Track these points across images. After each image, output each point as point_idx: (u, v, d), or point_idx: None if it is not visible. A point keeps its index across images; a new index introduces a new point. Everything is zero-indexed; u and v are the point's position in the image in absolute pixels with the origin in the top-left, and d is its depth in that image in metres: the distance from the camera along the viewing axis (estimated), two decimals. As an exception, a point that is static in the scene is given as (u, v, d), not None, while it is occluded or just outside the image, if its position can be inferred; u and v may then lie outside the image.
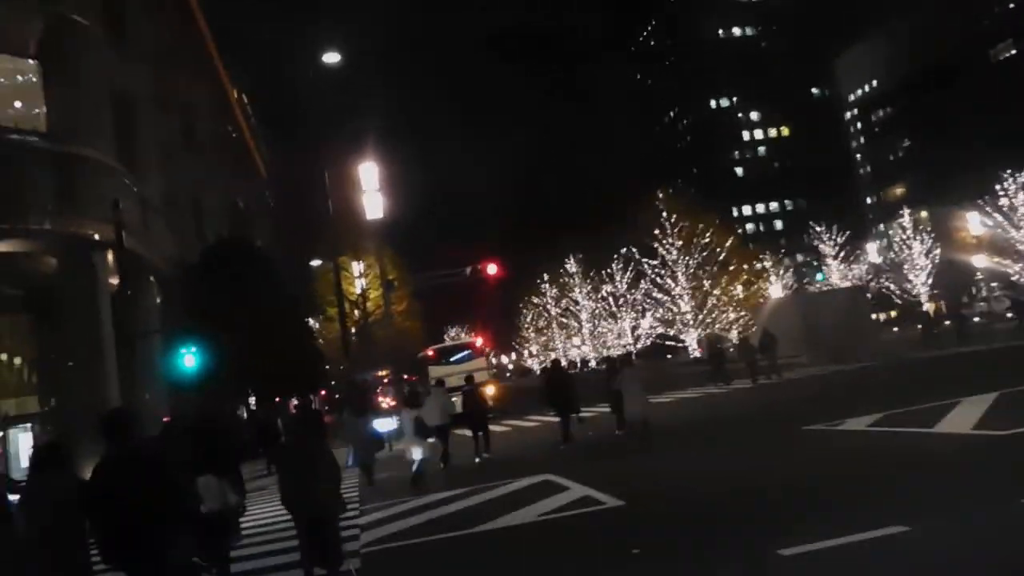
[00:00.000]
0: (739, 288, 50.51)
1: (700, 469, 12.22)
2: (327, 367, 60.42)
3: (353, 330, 40.05)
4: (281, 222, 55.22)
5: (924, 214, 65.12)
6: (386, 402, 42.02)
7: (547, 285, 73.54)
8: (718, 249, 49.16)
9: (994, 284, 57.79)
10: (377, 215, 30.04)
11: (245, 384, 35.42)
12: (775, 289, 53.96)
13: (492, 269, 31.35)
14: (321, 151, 31.51)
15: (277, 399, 53.24)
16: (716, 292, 49.37)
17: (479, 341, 36.69)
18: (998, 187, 50.06)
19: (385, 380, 47.51)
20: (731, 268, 50.44)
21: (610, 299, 59.18)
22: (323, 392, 57.65)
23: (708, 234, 48.98)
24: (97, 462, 5.83)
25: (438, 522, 10.87)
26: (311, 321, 60.87)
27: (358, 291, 46.15)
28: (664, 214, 49.27)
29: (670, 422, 18.60)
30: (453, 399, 19.12)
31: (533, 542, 9.05)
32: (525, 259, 65.52)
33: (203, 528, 7.52)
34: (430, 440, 16.01)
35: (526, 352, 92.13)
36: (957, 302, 59.85)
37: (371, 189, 29.87)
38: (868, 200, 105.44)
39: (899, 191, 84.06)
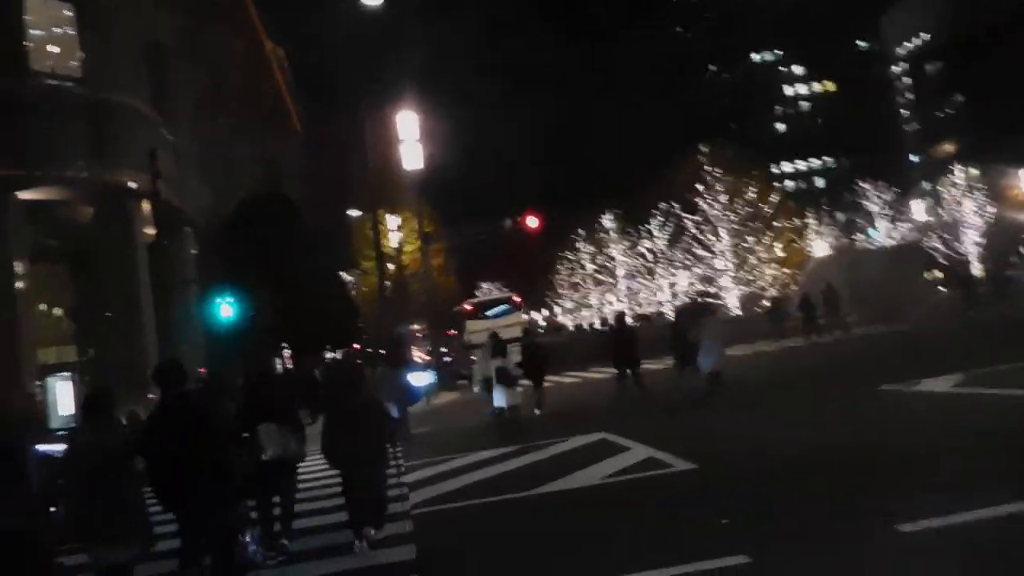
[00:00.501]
0: (780, 246, 49.12)
1: (773, 432, 11.31)
2: (361, 322, 60.37)
3: (388, 284, 39.53)
4: (317, 176, 54.58)
5: (974, 171, 62.86)
6: (420, 356, 41.76)
7: (583, 242, 72.27)
8: (761, 205, 47.74)
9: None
10: (416, 166, 29.18)
11: (279, 337, 35.12)
12: (820, 247, 52.40)
13: (533, 222, 30.41)
14: (361, 100, 30.73)
15: (313, 353, 53.27)
16: (759, 249, 48.06)
17: (516, 297, 35.86)
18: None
19: (420, 334, 47.17)
20: (775, 225, 48.99)
21: (648, 255, 57.86)
22: (357, 345, 57.52)
23: (752, 190, 47.54)
24: (152, 409, 6.43)
25: (490, 483, 10.20)
26: (345, 275, 60.71)
27: (394, 245, 45.57)
28: (708, 168, 47.83)
29: (735, 378, 17.76)
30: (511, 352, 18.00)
31: (601, 507, 8.30)
32: (562, 215, 64.29)
33: (262, 478, 7.68)
34: (518, 388, 15.79)
35: (559, 308, 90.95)
36: (1004, 263, 58.06)
37: (410, 138, 29.00)
38: (912, 159, 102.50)
39: (948, 148, 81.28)
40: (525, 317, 42.14)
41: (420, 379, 26.32)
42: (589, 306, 78.28)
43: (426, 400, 24.68)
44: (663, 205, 54.35)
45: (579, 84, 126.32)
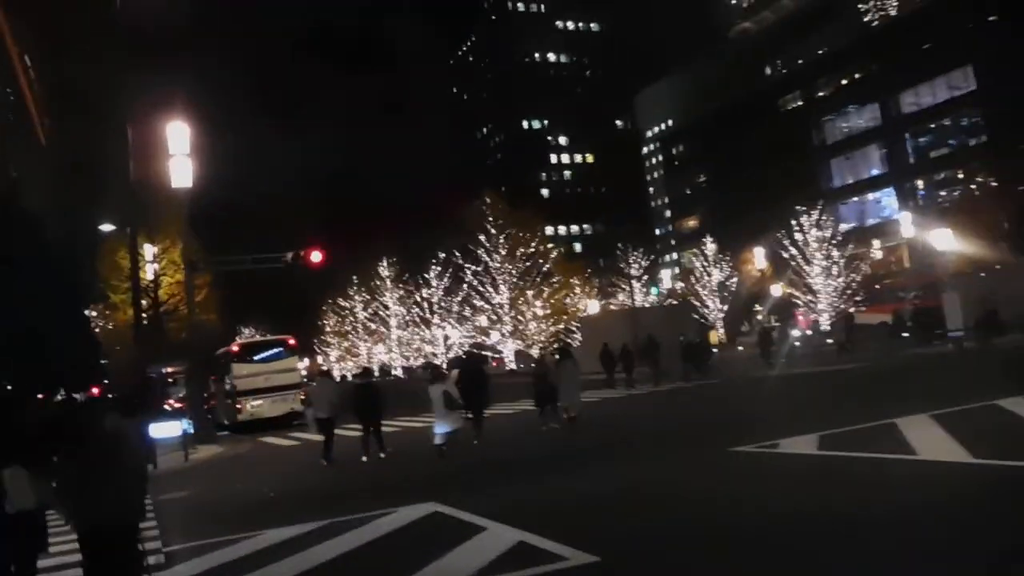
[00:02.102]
0: (553, 302, 48.81)
1: (650, 500, 9.06)
2: (104, 360, 52.62)
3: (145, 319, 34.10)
4: (66, 189, 47.26)
5: (709, 248, 66.95)
6: (171, 403, 36.16)
7: (356, 288, 68.83)
8: (541, 260, 47.22)
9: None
10: (185, 184, 24.89)
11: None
12: (592, 304, 52.81)
13: (316, 256, 26.87)
14: (126, 106, 25.97)
15: (40, 395, 45.09)
16: (538, 303, 47.37)
17: (291, 340, 31.91)
18: (793, 222, 51.82)
19: (171, 379, 41.18)
20: (554, 280, 48.62)
21: (424, 304, 55.61)
22: (96, 389, 49.83)
23: (534, 243, 46.92)
24: None
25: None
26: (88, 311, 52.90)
27: (150, 276, 39.74)
28: (491, 218, 46.64)
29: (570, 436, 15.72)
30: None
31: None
32: (335, 260, 60.67)
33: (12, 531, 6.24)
34: (461, 413, 15.18)
35: (330, 355, 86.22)
36: (736, 331, 62.27)
37: (180, 152, 24.75)
38: (657, 231, 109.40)
39: (692, 223, 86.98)
40: (304, 362, 37.97)
41: (169, 429, 21.89)
42: (357, 355, 74.56)
43: (184, 454, 20.31)
44: (442, 254, 52.49)
45: (358, 131, 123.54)
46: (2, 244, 25.16)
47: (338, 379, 69.54)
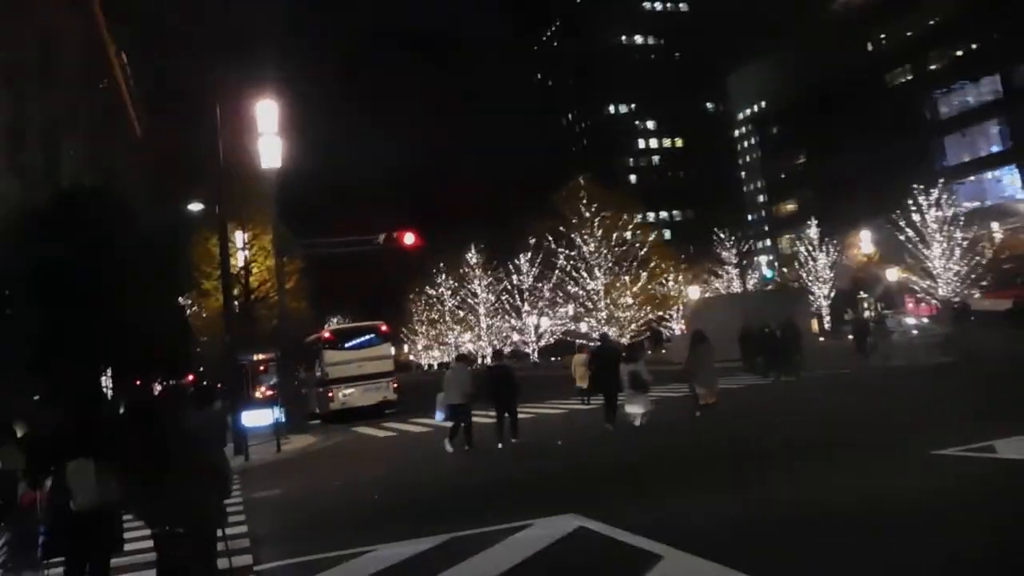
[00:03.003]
0: (660, 286, 46.37)
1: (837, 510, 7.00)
2: (198, 348, 52.87)
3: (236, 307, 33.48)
4: (158, 173, 47.50)
5: (812, 232, 63.33)
6: (262, 391, 35.51)
7: (443, 275, 67.69)
8: (638, 245, 44.89)
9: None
10: (274, 164, 23.83)
11: (95, 361, 28.40)
12: (692, 291, 50.16)
13: (410, 238, 25.66)
14: (214, 84, 25.02)
15: (138, 381, 45.28)
16: (634, 289, 45.05)
17: (383, 326, 30.65)
18: (910, 202, 48.16)
19: (262, 367, 40.65)
20: (651, 266, 46.17)
21: (514, 292, 53.88)
22: (191, 376, 50.00)
23: (630, 228, 44.64)
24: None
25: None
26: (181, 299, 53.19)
27: (240, 263, 39.23)
28: (585, 202, 44.49)
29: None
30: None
31: None
32: (424, 241, 59.52)
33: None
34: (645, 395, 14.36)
35: (419, 345, 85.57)
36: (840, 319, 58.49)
37: (269, 132, 23.67)
38: (749, 217, 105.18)
39: (790, 207, 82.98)
40: (393, 350, 36.78)
41: (260, 418, 20.82)
42: (446, 343, 73.58)
43: (275, 444, 19.10)
44: (533, 240, 50.63)
45: (443, 121, 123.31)
46: (100, 236, 24.54)
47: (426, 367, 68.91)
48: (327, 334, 30.49)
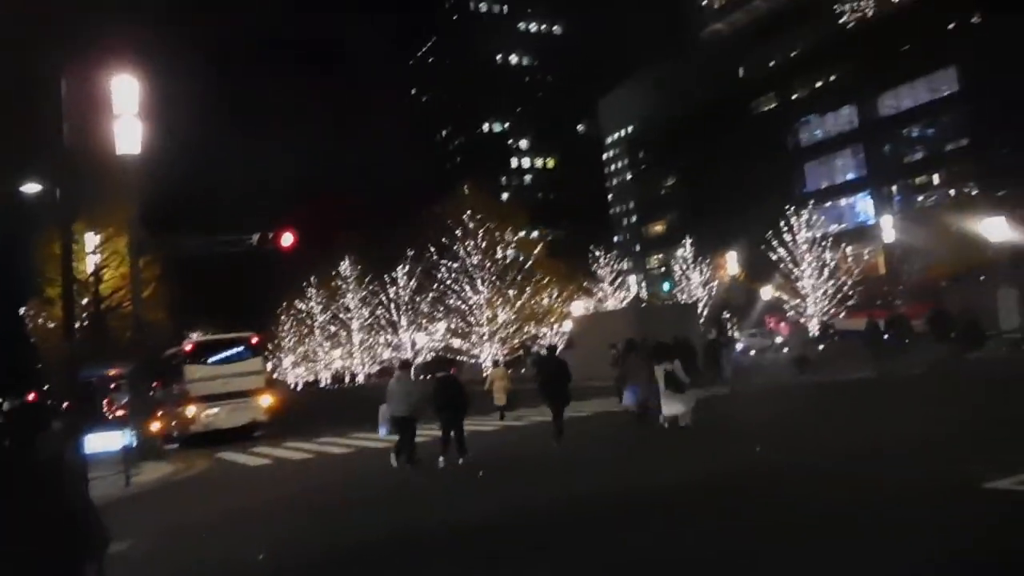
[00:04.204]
0: (544, 300, 44.80)
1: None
2: (39, 364, 47.10)
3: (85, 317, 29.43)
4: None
5: (681, 252, 64.04)
6: (113, 412, 31.31)
7: (314, 289, 63.84)
8: (521, 258, 43.24)
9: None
10: (132, 150, 20.42)
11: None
12: (576, 305, 48.84)
13: (288, 239, 22.75)
14: (58, 50, 21.24)
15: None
16: (518, 304, 43.28)
17: (255, 337, 27.37)
18: (782, 223, 49.11)
19: (113, 384, 36.15)
20: (535, 279, 44.57)
21: (390, 306, 50.99)
22: (33, 394, 44.26)
23: (515, 240, 42.91)
24: None
25: None
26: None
27: (89, 269, 34.85)
28: (470, 212, 42.39)
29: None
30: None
31: None
32: (291, 260, 55.74)
33: None
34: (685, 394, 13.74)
35: (284, 362, 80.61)
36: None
37: (128, 113, 20.29)
38: (616, 238, 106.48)
39: (659, 227, 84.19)
40: (269, 365, 33.30)
41: (107, 442, 17.37)
42: (314, 360, 69.51)
43: (124, 476, 15.75)
44: (410, 251, 48.11)
45: (314, 128, 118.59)
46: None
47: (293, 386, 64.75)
48: (189, 347, 26.86)
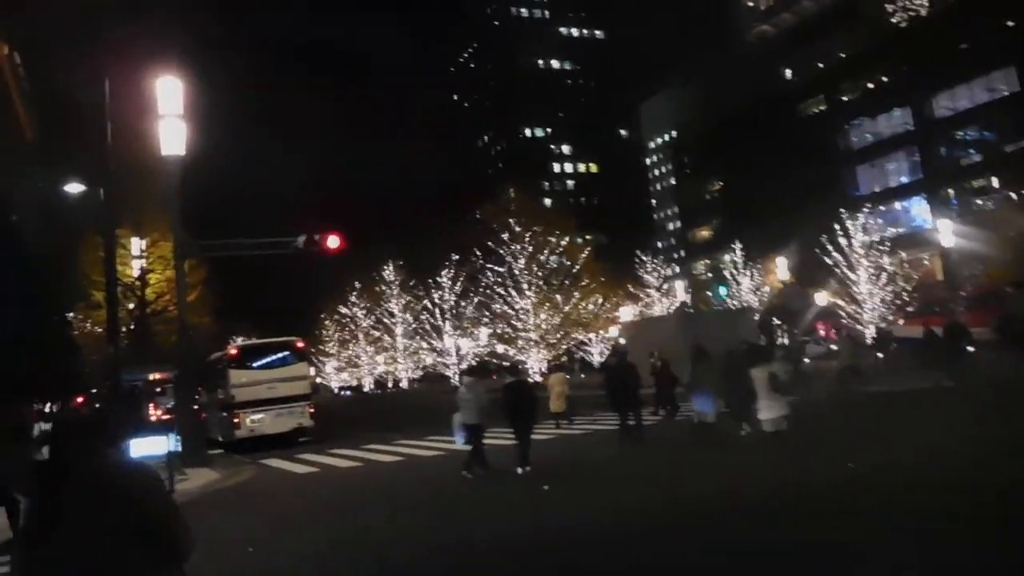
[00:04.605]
0: (590, 306, 43.72)
1: None
2: (87, 368, 47.26)
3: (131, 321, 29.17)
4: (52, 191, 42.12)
5: (729, 257, 62.62)
6: (157, 414, 31.05)
7: (356, 295, 63.50)
8: (569, 263, 42.25)
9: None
10: (176, 151, 19.99)
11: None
12: (625, 311, 47.67)
13: (334, 241, 22.15)
14: (104, 51, 20.98)
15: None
16: (566, 308, 42.28)
17: (300, 343, 26.83)
18: (837, 227, 47.46)
19: (159, 388, 35.96)
20: (583, 284, 43.54)
21: (435, 311, 50.23)
22: (80, 398, 44.36)
23: (563, 243, 41.97)
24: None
25: None
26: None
27: (135, 273, 34.75)
28: (515, 217, 41.51)
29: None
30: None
31: None
32: (332, 265, 55.43)
33: None
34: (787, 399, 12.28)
35: (327, 367, 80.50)
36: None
37: (171, 114, 19.88)
38: (660, 243, 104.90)
39: (705, 233, 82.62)
40: (313, 370, 32.80)
41: (151, 447, 16.72)
42: (357, 366, 69.19)
43: (167, 479, 15.07)
44: (455, 256, 47.38)
45: (354, 138, 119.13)
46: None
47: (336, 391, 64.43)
48: (234, 351, 26.43)
